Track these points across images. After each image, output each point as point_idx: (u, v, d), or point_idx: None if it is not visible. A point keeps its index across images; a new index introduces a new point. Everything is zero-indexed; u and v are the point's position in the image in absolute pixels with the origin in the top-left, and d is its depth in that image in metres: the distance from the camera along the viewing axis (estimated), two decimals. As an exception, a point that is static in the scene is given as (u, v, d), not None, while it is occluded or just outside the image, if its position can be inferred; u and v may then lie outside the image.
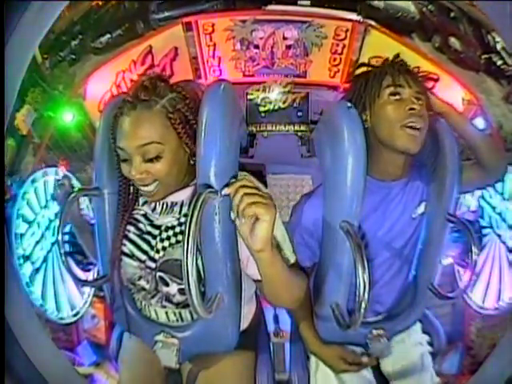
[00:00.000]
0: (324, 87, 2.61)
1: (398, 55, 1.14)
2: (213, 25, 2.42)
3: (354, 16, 2.38)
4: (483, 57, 2.21)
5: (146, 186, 0.96)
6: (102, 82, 2.30)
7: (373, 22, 2.36)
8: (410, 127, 1.04)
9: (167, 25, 2.35)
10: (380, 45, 2.39)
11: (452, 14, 2.28)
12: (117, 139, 0.95)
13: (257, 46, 2.53)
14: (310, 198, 1.16)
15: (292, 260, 1.05)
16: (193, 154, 0.97)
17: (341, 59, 2.52)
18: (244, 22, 2.43)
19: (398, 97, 1.06)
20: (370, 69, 1.16)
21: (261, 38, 2.50)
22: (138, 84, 0.95)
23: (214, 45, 2.48)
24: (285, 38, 2.51)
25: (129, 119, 0.92)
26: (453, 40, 2.30)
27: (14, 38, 0.91)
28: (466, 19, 2.21)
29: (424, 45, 2.37)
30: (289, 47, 2.54)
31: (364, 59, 2.44)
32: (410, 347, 1.25)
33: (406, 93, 1.06)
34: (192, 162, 0.99)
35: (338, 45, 2.49)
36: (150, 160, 0.93)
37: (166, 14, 2.35)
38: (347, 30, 2.41)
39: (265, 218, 0.77)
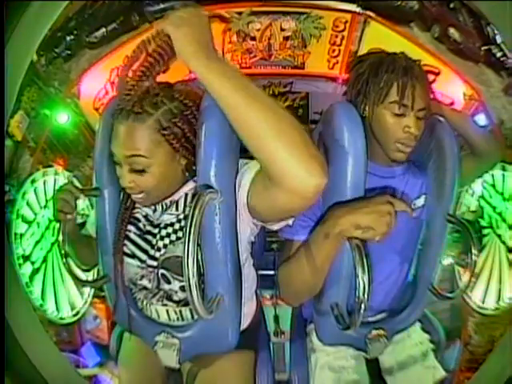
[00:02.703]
0: (322, 79, 2.60)
1: (408, 58, 1.08)
2: (208, 17, 2.39)
3: (353, 7, 2.35)
4: (483, 48, 2.19)
5: (134, 194, 0.98)
6: (97, 80, 2.28)
7: (372, 13, 2.34)
8: (403, 144, 1.06)
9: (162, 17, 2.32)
10: (379, 36, 2.37)
11: (451, 5, 2.26)
12: (111, 142, 0.95)
13: (253, 38, 2.50)
14: None
15: None
16: (191, 163, 0.96)
17: (340, 50, 2.51)
18: (240, 13, 2.40)
19: (400, 112, 1.04)
20: (372, 58, 1.10)
21: (257, 30, 2.47)
22: (135, 91, 0.90)
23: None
24: (282, 30, 2.48)
25: (122, 127, 0.92)
26: (452, 31, 2.27)
27: (14, 38, 0.90)
28: (466, 10, 2.19)
29: (423, 35, 2.35)
30: (286, 39, 2.51)
31: (363, 50, 2.42)
32: (410, 347, 1.26)
33: (408, 113, 1.04)
34: (187, 173, 0.99)
35: (336, 36, 2.46)
36: (137, 171, 0.93)
37: (161, 6, 2.32)
38: (346, 22, 2.39)
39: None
